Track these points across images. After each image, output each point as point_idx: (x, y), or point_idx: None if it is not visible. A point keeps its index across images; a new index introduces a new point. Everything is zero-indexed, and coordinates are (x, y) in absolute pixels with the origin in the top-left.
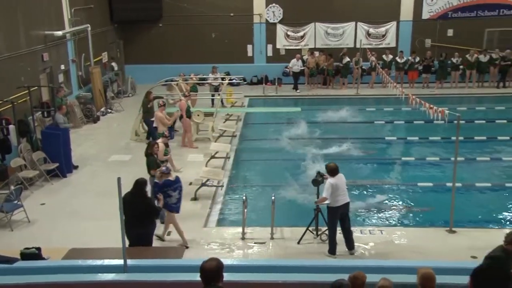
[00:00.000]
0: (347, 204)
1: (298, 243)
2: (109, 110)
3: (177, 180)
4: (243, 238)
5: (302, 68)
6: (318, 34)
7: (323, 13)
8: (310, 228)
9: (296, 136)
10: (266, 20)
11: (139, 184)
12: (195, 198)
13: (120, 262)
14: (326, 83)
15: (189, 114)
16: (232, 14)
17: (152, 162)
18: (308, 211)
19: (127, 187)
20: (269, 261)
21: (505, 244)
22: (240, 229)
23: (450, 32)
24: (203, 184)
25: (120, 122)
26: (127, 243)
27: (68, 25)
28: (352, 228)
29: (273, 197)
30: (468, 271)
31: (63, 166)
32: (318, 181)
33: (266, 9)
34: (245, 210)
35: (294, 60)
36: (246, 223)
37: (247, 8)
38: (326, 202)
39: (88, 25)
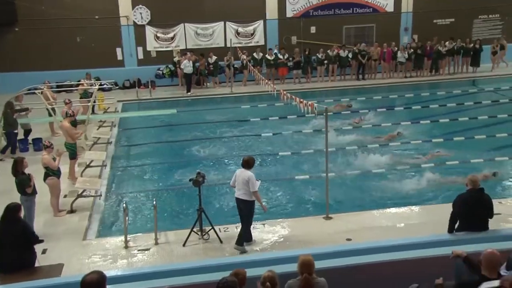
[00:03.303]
0: (239, 200)
1: (184, 245)
2: None
3: None
4: (126, 247)
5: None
6: (188, 35)
7: (192, 14)
8: (195, 229)
9: (174, 138)
10: (134, 22)
11: (11, 210)
12: (71, 211)
13: None
14: (200, 83)
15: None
16: (97, 17)
17: (25, 180)
18: (191, 212)
19: None
20: (154, 267)
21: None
22: (122, 238)
23: (313, 29)
24: (79, 196)
25: None
26: None
27: None
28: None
29: (154, 202)
30: (344, 253)
31: None
32: (198, 181)
33: (133, 11)
34: (127, 218)
35: (185, 62)
36: (129, 230)
37: (112, 10)
38: None
39: None
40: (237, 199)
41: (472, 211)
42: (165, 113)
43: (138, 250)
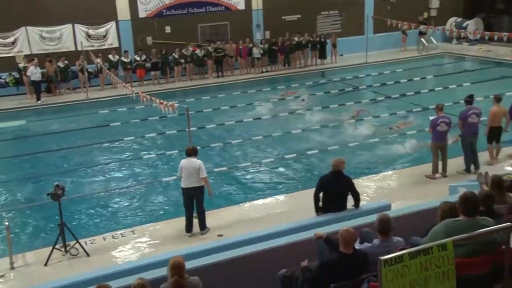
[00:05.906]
0: (191, 189)
1: (45, 265)
2: None
3: None
4: None
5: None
6: (32, 39)
7: (34, 16)
8: (57, 246)
9: (26, 151)
10: None
11: None
12: None
13: None
14: (50, 90)
15: None
16: None
17: None
18: (53, 229)
19: None
20: None
21: None
22: None
23: (168, 29)
24: None
25: None
26: None
27: None
28: (106, 234)
29: (6, 223)
30: (215, 250)
31: None
32: (57, 194)
33: None
34: None
35: (32, 68)
36: None
37: None
38: None
39: None
40: (188, 189)
41: (330, 191)
42: (12, 124)
43: None
